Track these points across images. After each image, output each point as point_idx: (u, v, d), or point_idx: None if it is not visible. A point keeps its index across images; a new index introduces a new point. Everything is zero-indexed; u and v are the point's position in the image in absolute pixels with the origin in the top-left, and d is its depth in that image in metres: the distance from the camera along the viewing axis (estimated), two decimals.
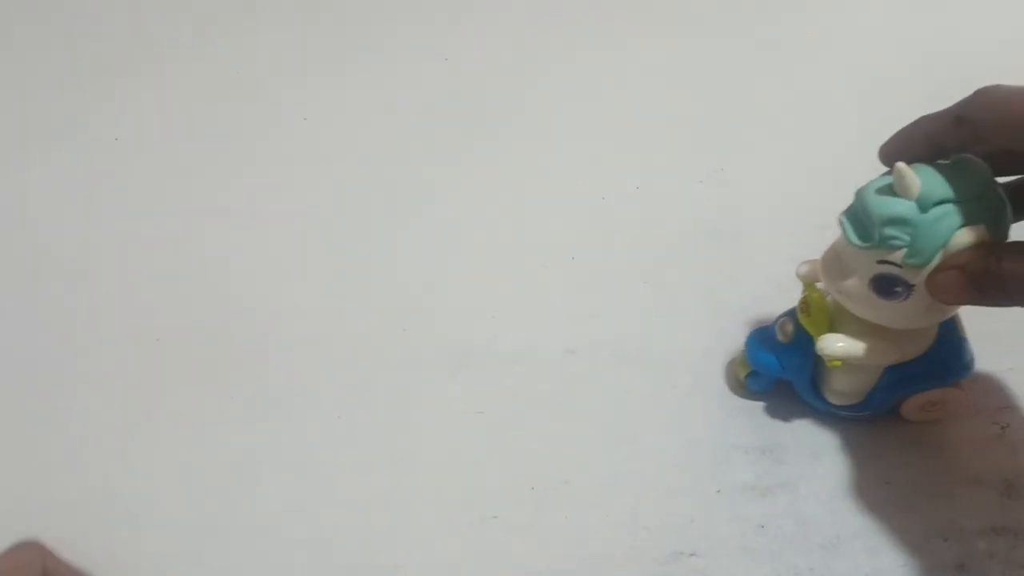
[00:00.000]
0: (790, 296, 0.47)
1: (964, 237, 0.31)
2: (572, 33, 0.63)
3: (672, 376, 0.43)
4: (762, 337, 0.40)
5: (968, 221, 0.31)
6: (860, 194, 0.34)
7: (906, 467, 0.39)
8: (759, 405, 0.41)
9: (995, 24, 0.65)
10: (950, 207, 0.31)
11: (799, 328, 0.38)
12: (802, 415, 0.41)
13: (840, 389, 0.38)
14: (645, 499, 0.38)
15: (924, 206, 0.31)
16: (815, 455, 0.40)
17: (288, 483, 0.39)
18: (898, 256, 0.32)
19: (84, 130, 0.55)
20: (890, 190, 0.32)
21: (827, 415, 0.40)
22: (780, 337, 0.39)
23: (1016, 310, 0.46)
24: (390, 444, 0.40)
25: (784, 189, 0.52)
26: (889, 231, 0.32)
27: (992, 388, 0.42)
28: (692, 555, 0.37)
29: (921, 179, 0.31)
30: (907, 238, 0.32)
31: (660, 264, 0.48)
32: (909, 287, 0.33)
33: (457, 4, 0.65)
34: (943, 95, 0.60)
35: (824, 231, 0.50)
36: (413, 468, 0.40)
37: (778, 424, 0.41)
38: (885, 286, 0.33)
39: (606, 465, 0.39)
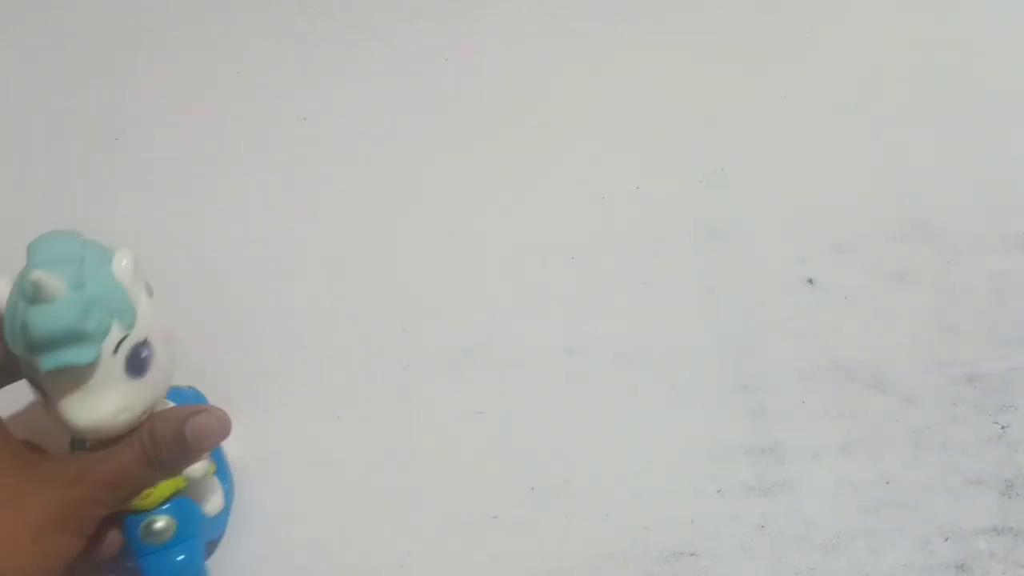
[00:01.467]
0: (790, 296, 0.47)
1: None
2: (572, 33, 0.63)
3: (672, 376, 0.43)
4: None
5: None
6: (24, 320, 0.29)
7: (906, 467, 0.39)
8: (759, 405, 0.42)
9: (994, 24, 0.65)
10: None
11: None
12: (802, 415, 0.41)
13: None
14: (645, 499, 0.38)
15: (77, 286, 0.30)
16: (815, 455, 0.40)
17: (288, 483, 0.39)
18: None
19: (84, 130, 0.55)
20: (36, 302, 0.29)
21: None
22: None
23: (1016, 310, 0.46)
24: (390, 444, 0.40)
25: (784, 189, 0.52)
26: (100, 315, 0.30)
27: (992, 388, 0.42)
28: (692, 555, 0.37)
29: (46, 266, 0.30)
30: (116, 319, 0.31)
31: (660, 264, 0.48)
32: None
33: (457, 4, 0.65)
34: (942, 94, 0.60)
35: (823, 230, 0.50)
36: (413, 468, 0.40)
37: (778, 424, 0.41)
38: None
39: (606, 465, 0.39)
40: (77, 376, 0.30)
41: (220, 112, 0.57)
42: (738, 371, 0.43)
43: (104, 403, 0.30)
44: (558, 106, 0.58)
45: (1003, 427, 0.41)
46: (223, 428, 0.33)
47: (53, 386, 0.30)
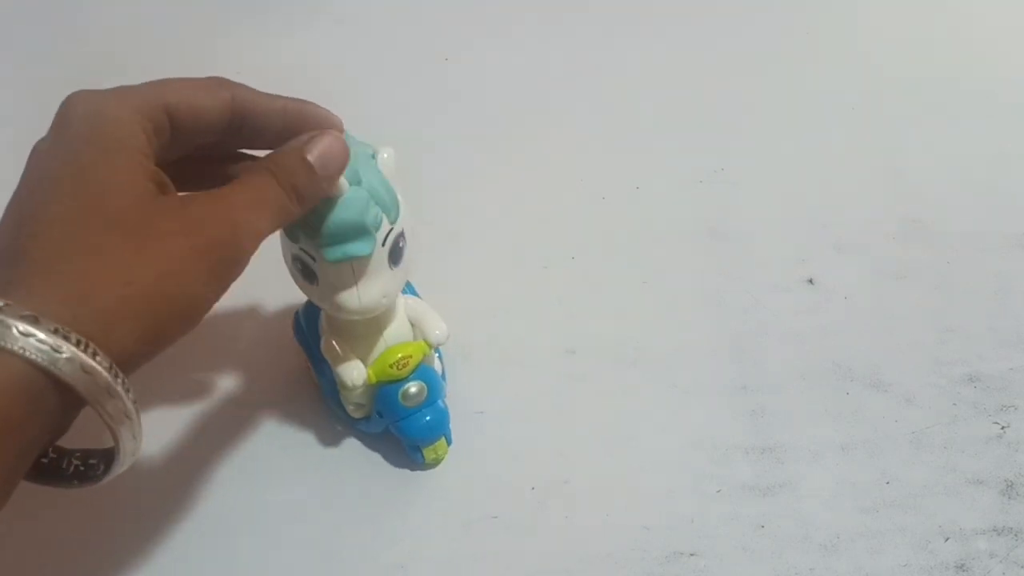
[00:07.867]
0: (790, 296, 0.47)
1: None
2: (572, 33, 0.63)
3: (672, 376, 0.43)
4: None
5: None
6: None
7: (906, 467, 0.39)
8: (759, 405, 0.42)
9: (993, 25, 0.65)
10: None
11: None
12: (802, 415, 0.41)
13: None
14: (645, 499, 0.38)
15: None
16: (815, 455, 0.40)
17: (288, 483, 0.39)
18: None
19: None
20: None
21: None
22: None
23: (1016, 310, 0.46)
24: (390, 444, 0.40)
25: (784, 189, 0.52)
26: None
27: (992, 388, 0.42)
28: (692, 555, 0.37)
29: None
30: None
31: (660, 264, 0.48)
32: None
33: (457, 4, 0.65)
34: (941, 95, 0.60)
35: (823, 230, 0.50)
36: (413, 468, 0.40)
37: (778, 424, 0.41)
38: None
39: (606, 465, 0.39)
40: (354, 266, 0.33)
41: None
42: (738, 371, 0.43)
43: (372, 290, 0.34)
44: (558, 106, 0.58)
45: (1003, 427, 0.41)
46: (342, 149, 0.31)
47: (331, 275, 0.33)
